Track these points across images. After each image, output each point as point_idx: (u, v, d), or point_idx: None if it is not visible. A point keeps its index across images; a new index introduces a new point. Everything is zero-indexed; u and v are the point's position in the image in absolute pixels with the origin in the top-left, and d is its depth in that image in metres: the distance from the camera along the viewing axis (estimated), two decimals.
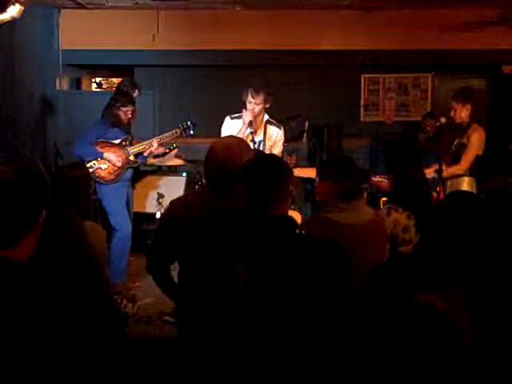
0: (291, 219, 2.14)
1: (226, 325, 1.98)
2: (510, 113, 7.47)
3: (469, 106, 4.70)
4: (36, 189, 1.60)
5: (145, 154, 5.31)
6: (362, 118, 7.91)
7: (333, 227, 2.71)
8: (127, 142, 5.25)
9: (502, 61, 7.38)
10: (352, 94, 7.82)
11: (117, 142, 5.22)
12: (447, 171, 4.69)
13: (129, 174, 5.30)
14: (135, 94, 5.65)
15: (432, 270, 1.74)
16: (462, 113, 4.71)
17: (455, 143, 4.79)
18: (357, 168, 2.95)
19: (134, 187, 5.61)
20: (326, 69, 7.65)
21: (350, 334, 1.62)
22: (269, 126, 4.71)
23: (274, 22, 7.14)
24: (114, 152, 5.15)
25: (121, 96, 5.31)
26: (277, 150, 4.73)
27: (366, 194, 5.36)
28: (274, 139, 4.75)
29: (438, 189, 4.46)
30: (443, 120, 4.76)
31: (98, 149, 5.11)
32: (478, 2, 6.73)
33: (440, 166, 4.52)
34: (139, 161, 5.32)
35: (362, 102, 7.91)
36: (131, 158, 5.24)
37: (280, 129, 4.79)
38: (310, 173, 5.05)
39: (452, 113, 4.76)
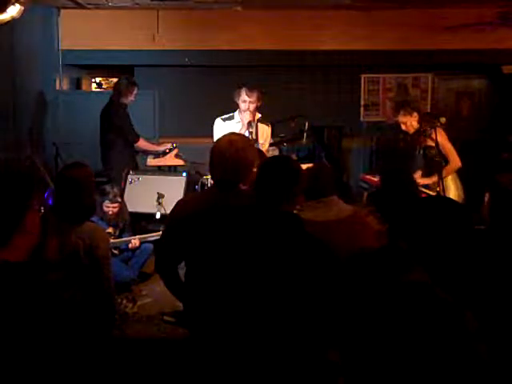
0: (296, 216, 2.14)
1: (231, 323, 1.98)
2: (510, 113, 7.48)
3: (415, 114, 4.87)
4: (20, 187, 1.61)
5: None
6: (361, 118, 7.91)
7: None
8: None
9: (502, 61, 7.38)
10: (352, 94, 7.82)
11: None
12: (446, 170, 4.72)
13: None
14: (135, 92, 5.68)
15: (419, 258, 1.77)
16: (413, 122, 4.86)
17: (421, 150, 4.85)
18: (326, 166, 2.84)
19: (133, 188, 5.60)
20: (326, 69, 7.66)
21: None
22: (260, 125, 4.75)
23: (274, 22, 7.14)
24: None
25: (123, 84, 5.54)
26: (265, 147, 4.77)
27: (365, 194, 5.36)
28: (264, 137, 4.80)
29: (438, 189, 4.48)
30: (443, 120, 4.76)
31: None
32: (477, 2, 6.73)
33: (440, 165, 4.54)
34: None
35: (362, 102, 7.91)
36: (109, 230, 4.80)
37: (268, 126, 4.85)
38: None
39: (403, 127, 4.91)
